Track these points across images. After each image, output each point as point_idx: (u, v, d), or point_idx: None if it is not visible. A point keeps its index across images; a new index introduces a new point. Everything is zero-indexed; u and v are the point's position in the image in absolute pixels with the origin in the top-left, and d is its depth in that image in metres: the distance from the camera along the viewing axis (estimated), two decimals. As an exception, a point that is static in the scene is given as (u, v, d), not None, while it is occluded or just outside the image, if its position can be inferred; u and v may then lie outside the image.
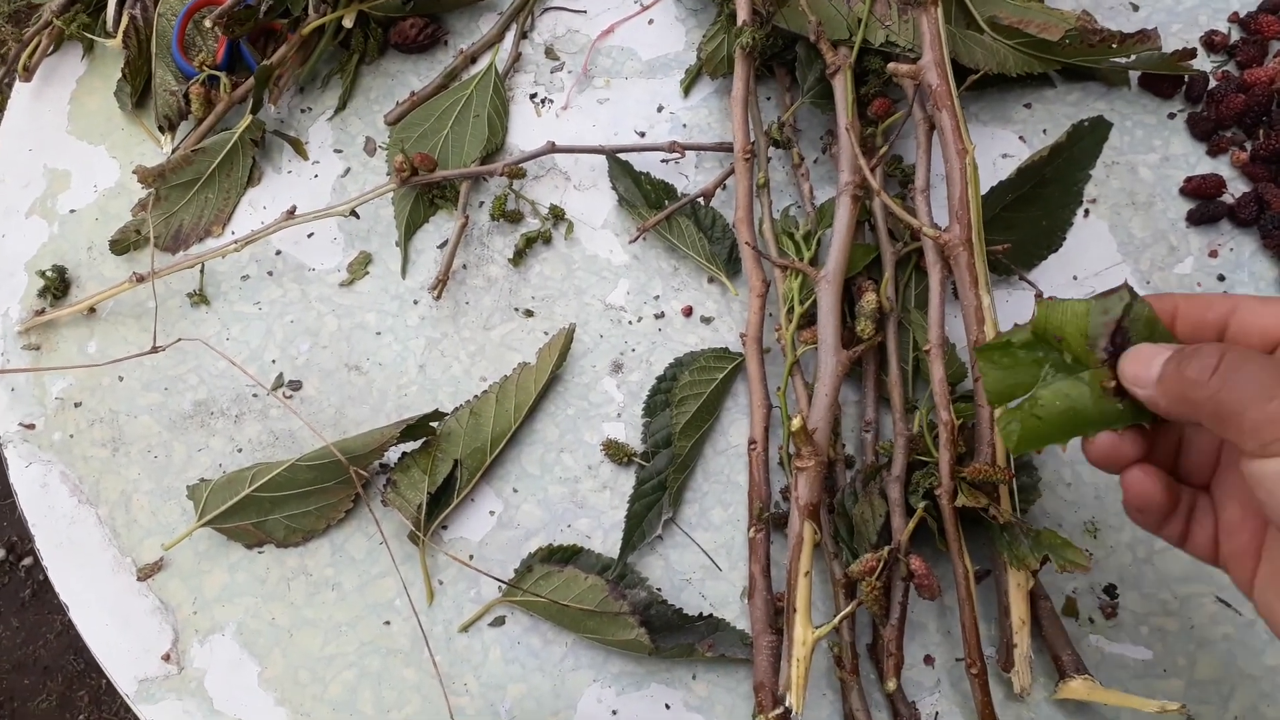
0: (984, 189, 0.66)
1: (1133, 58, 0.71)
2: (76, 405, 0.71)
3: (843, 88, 0.68)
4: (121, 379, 0.71)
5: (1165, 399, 0.42)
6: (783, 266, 0.66)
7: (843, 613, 0.56)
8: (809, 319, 0.65)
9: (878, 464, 0.62)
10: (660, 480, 0.64)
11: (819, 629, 0.54)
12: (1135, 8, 0.77)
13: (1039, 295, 0.59)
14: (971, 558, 0.57)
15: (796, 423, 0.55)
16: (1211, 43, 0.75)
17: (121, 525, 0.67)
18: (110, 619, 0.65)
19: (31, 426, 0.70)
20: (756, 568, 0.60)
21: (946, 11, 0.71)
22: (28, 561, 1.55)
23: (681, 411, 0.65)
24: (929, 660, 0.60)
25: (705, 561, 0.63)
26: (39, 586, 1.53)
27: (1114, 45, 0.70)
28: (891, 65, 0.65)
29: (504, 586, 0.62)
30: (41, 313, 0.73)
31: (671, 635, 0.60)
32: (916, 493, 0.59)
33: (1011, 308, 0.68)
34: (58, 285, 0.74)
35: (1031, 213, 0.67)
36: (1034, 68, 0.72)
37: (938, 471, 0.58)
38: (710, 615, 0.61)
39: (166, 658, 0.63)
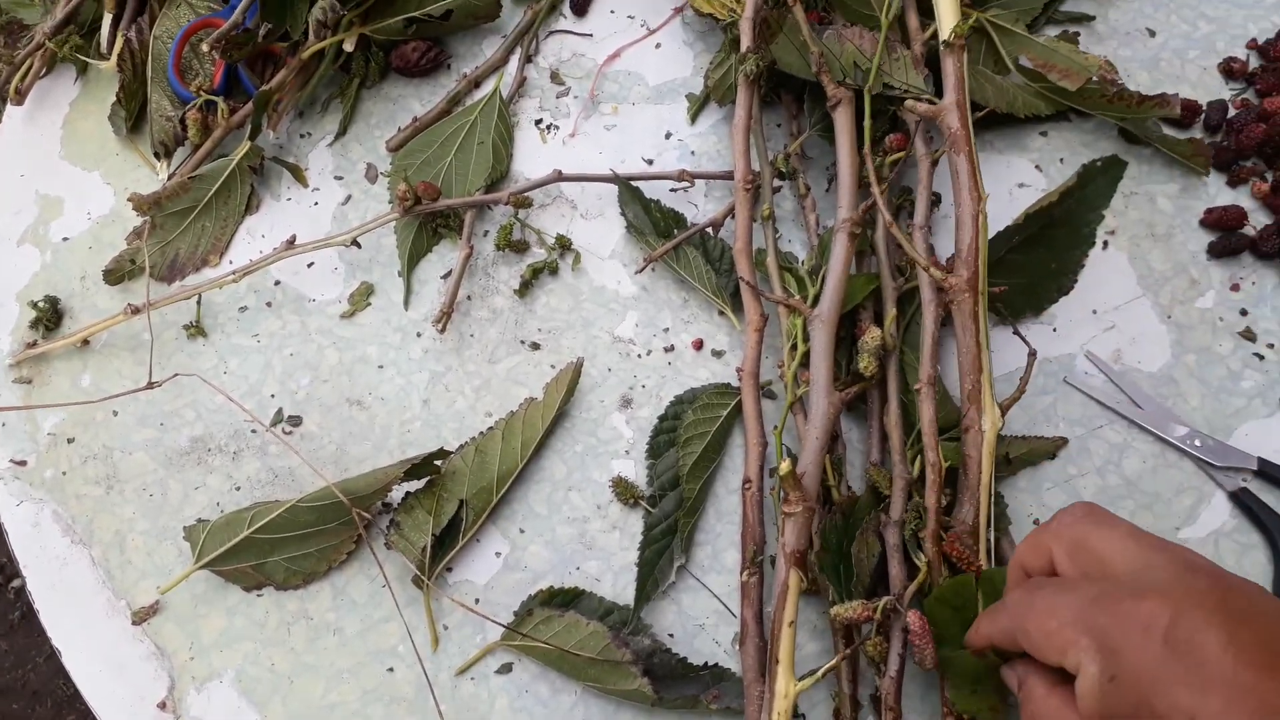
0: (997, 223, 0.64)
1: (1148, 121, 0.70)
2: (69, 441, 0.69)
3: (844, 122, 0.66)
4: (116, 414, 0.69)
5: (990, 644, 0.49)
6: (777, 303, 0.64)
7: (825, 666, 0.53)
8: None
9: (855, 497, 0.61)
10: (670, 524, 0.62)
11: (801, 681, 0.52)
12: (1152, 33, 0.76)
13: (1032, 353, 0.59)
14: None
15: (784, 466, 0.53)
16: (1230, 70, 0.74)
17: (116, 566, 0.65)
18: (104, 665, 0.63)
19: (23, 463, 0.68)
20: (749, 613, 0.58)
21: (975, 51, 0.70)
22: (17, 583, 1.52)
23: (688, 452, 0.63)
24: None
25: (719, 606, 0.62)
26: (28, 609, 1.50)
27: (1133, 105, 0.68)
28: (909, 103, 0.63)
29: (504, 630, 0.60)
30: (33, 345, 0.71)
31: (675, 685, 0.58)
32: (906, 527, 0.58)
33: (1015, 351, 0.66)
34: (50, 316, 0.72)
35: (1039, 255, 0.65)
36: (1040, 109, 0.70)
37: (924, 514, 0.57)
38: (715, 665, 0.58)
39: (162, 706, 0.61)
